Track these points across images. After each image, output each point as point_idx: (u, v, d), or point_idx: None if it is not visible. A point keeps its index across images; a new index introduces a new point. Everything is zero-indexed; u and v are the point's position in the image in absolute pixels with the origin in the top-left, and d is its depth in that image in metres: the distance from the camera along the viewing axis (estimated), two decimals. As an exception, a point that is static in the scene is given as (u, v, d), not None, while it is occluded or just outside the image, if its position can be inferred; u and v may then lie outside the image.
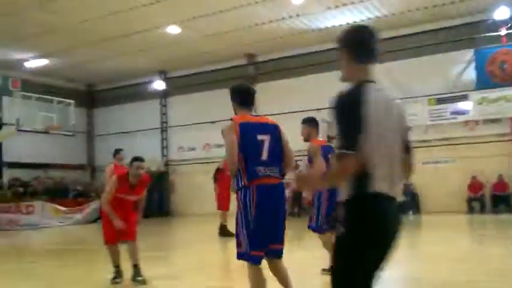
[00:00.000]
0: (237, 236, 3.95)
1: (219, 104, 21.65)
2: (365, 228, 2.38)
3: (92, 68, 22.10)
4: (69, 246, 12.79)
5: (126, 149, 27.30)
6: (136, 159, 6.48)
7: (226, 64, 21.53)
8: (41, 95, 17.97)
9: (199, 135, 22.28)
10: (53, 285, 6.87)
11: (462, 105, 16.95)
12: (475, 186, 16.59)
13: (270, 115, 20.85)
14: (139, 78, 23.77)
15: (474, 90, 16.83)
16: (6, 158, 20.72)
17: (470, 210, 16.45)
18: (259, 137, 3.91)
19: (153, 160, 23.00)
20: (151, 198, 22.89)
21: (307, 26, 17.52)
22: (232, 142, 3.84)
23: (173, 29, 17.43)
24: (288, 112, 19.68)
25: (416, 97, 17.49)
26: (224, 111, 22.16)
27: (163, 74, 23.39)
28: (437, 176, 17.16)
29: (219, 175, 11.84)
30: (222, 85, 21.76)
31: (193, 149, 22.56)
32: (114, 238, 6.40)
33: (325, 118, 18.28)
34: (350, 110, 2.38)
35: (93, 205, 19.21)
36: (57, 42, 18.40)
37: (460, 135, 17.07)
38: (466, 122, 17.02)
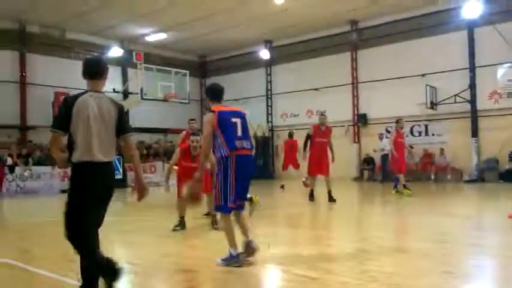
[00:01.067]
0: (217, 193, 4.94)
1: (322, 71, 21.72)
2: (71, 183, 3.68)
3: (204, 41, 22.92)
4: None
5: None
6: (193, 134, 7.51)
7: (329, 31, 21.20)
8: (160, 67, 18.87)
9: (302, 102, 22.39)
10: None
11: None
12: None
13: (371, 81, 20.58)
14: (247, 48, 24.17)
15: None
16: (133, 124, 22.28)
17: None
18: (233, 120, 4.96)
19: (258, 126, 23.61)
20: (257, 162, 23.69)
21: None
22: (208, 131, 4.90)
23: (278, -1, 17.48)
24: (390, 79, 19.13)
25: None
26: (327, 78, 22.25)
27: (268, 43, 23.59)
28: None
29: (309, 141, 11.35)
30: (325, 52, 21.67)
31: (296, 115, 22.76)
32: (181, 194, 7.27)
33: (430, 84, 17.71)
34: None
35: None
36: (174, 17, 19.27)
37: None
38: None
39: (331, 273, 4.64)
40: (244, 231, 5.14)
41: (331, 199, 10.80)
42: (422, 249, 5.76)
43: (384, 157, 17.16)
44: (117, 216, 9.07)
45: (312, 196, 11.16)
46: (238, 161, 4.89)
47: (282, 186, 15.65)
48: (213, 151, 7.06)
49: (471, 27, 17.50)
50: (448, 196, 12.88)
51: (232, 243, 4.97)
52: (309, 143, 11.08)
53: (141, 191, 3.92)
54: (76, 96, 3.73)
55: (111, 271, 3.65)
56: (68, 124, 3.64)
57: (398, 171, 12.47)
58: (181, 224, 7.42)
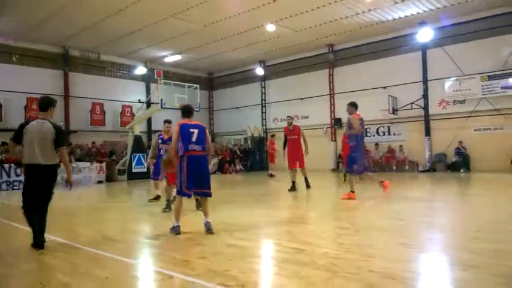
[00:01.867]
0: (178, 181, 5.51)
1: (305, 84, 21.76)
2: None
3: (211, 61, 22.91)
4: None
5: (236, 119, 28.25)
6: (166, 121, 8.83)
7: (312, 53, 21.25)
8: (176, 82, 18.84)
9: (290, 109, 22.33)
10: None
11: (511, 80, 15.34)
12: (521, 149, 15.16)
13: (345, 92, 20.57)
14: (245, 67, 24.21)
15: (523, 67, 15.19)
16: (154, 127, 22.37)
17: (516, 169, 15.11)
18: (191, 130, 5.53)
19: (255, 129, 23.63)
20: (254, 157, 23.72)
21: (377, 18, 16.65)
22: (174, 136, 5.53)
23: (270, 27, 17.47)
24: (360, 90, 19.19)
25: (471, 74, 16.18)
26: (310, 90, 22.25)
27: (262, 62, 23.58)
28: (486, 141, 15.90)
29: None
30: (308, 69, 21.72)
31: (285, 120, 22.74)
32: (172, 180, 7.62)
33: (391, 94, 17.77)
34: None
35: (213, 161, 20.28)
36: (188, 43, 19.30)
37: (507, 106, 15.55)
38: (515, 95, 15.46)
39: (314, 246, 4.68)
40: (204, 213, 5.65)
41: (307, 185, 10.59)
42: (385, 226, 5.80)
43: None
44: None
45: (293, 187, 10.64)
46: (189, 160, 5.44)
47: (271, 175, 16.65)
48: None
49: (424, 49, 17.57)
50: (406, 183, 12.94)
51: (176, 217, 5.52)
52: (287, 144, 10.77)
53: (69, 182, 5.23)
54: (27, 122, 4.92)
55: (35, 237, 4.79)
56: (20, 139, 4.84)
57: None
58: (169, 206, 7.70)
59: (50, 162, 4.84)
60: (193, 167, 5.43)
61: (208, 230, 5.46)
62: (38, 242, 4.79)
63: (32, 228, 4.85)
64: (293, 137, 10.76)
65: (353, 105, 8.73)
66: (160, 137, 8.63)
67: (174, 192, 7.39)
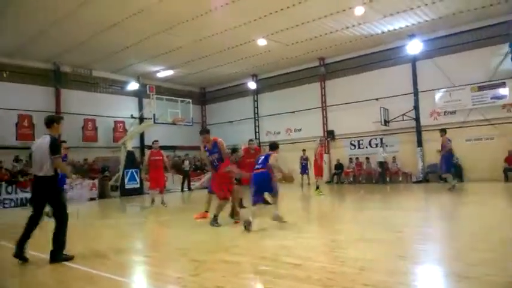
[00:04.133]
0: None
1: (298, 97, 21.91)
2: None
3: (204, 75, 22.97)
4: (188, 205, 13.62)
5: (229, 133, 28.09)
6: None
7: (303, 66, 21.44)
8: (168, 97, 18.86)
9: (282, 122, 22.51)
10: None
11: (501, 91, 15.59)
12: (511, 158, 15.33)
13: (337, 105, 20.72)
14: (238, 81, 24.30)
15: (511, 78, 15.44)
16: (147, 143, 22.23)
17: (506, 178, 15.23)
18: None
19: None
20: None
21: (367, 32, 16.89)
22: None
23: (261, 42, 17.60)
24: (352, 102, 19.34)
25: (461, 85, 16.42)
26: (302, 103, 22.36)
27: (255, 76, 23.71)
28: (478, 150, 16.05)
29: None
30: (300, 83, 21.88)
31: (278, 133, 22.83)
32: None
33: (383, 105, 17.92)
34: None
35: (207, 175, 20.17)
36: (179, 58, 19.35)
37: (498, 116, 15.77)
38: (504, 106, 15.68)
39: (310, 260, 4.66)
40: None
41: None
42: (380, 238, 5.79)
43: (381, 164, 18.01)
44: (130, 218, 8.98)
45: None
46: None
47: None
48: (219, 163, 7.25)
49: (414, 61, 17.82)
50: (399, 194, 12.96)
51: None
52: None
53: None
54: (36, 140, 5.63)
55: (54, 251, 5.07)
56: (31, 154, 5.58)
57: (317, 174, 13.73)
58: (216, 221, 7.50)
59: (46, 173, 5.23)
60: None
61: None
62: (20, 255, 5.08)
63: (20, 238, 5.12)
64: (251, 161, 9.38)
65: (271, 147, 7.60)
66: (206, 148, 7.94)
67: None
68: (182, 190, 19.64)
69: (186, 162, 20.55)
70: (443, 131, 13.07)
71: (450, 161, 13.06)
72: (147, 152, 9.84)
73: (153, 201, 11.90)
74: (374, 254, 4.83)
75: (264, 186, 7.02)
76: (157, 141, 12.47)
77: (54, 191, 5.27)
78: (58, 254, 5.05)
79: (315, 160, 13.72)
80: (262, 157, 7.24)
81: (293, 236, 6.49)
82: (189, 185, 20.08)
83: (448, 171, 13.09)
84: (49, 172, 5.21)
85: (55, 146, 5.33)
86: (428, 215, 8.31)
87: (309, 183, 18.06)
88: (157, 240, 5.99)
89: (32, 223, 5.19)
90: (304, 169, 18.12)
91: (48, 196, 5.24)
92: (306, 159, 18.17)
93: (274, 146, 7.45)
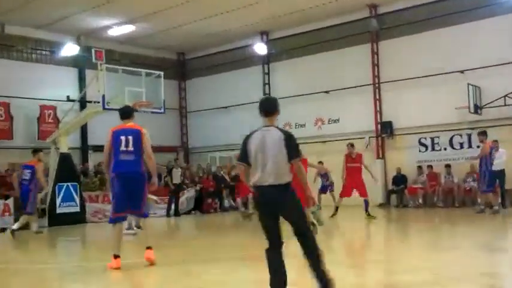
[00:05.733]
0: None
1: (334, 68, 21.62)
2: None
3: (183, 33, 22.94)
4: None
5: (223, 126, 28.07)
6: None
7: (341, 19, 21.23)
8: (127, 67, 18.67)
9: (309, 109, 22.30)
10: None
11: None
12: None
13: (398, 80, 20.46)
14: (237, 42, 24.30)
15: None
16: (92, 141, 21.99)
17: None
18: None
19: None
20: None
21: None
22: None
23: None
24: (421, 77, 19.02)
25: None
26: (341, 78, 22.10)
27: (265, 35, 23.66)
28: None
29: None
30: (337, 45, 21.64)
31: (302, 125, 22.57)
32: None
33: (472, 82, 17.63)
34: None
35: (189, 194, 19.94)
36: (145, 5, 19.23)
37: None
38: None
39: None
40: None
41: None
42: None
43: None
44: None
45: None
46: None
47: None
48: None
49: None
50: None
51: None
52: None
53: None
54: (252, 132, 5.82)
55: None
56: None
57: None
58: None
59: None
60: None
61: None
62: None
63: None
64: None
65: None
66: None
67: None
68: (168, 214, 19.32)
69: (176, 172, 19.96)
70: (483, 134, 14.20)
71: None
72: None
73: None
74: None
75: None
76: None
77: None
78: None
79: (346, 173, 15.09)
80: None
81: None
82: (177, 206, 19.66)
83: None
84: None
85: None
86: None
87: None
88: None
89: None
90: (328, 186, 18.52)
91: None
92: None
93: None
